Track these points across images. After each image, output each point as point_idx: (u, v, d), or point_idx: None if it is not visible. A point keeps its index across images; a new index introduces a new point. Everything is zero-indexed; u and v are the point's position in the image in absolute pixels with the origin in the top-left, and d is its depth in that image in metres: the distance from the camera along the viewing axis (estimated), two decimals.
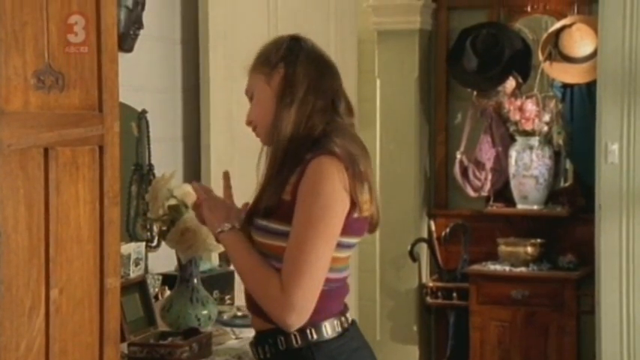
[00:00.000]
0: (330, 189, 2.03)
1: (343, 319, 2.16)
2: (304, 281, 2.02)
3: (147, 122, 3.51)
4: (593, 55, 4.84)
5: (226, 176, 2.29)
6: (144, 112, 3.50)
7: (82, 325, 2.07)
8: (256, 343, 2.20)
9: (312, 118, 2.13)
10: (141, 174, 3.46)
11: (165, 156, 3.64)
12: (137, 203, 3.41)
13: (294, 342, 2.10)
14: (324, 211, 2.03)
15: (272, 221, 2.09)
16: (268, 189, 2.11)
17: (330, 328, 2.12)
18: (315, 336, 2.10)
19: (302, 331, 2.09)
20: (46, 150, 1.98)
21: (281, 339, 2.11)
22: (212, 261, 3.56)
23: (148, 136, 3.52)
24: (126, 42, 3.35)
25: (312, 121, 2.13)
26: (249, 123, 2.24)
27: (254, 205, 2.16)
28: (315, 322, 2.09)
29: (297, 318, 2.04)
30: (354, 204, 2.06)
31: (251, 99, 2.24)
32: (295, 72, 2.15)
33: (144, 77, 3.56)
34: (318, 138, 2.11)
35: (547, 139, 5.16)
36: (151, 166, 3.50)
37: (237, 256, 2.15)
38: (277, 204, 2.08)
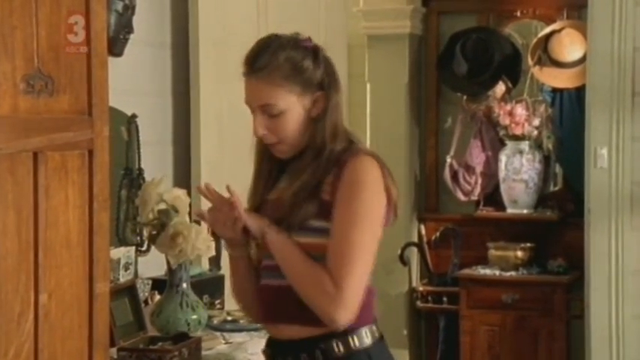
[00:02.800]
0: (373, 186, 2.07)
1: (375, 326, 2.18)
2: (355, 278, 2.02)
3: (137, 126, 3.50)
4: (583, 60, 4.85)
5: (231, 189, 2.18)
6: (134, 116, 3.49)
7: (72, 330, 2.07)
8: (282, 353, 2.14)
9: (342, 127, 2.18)
10: (131, 178, 3.46)
11: (155, 160, 3.64)
12: (127, 207, 3.40)
13: (335, 349, 2.09)
14: (369, 208, 2.06)
15: (311, 219, 2.09)
16: (303, 192, 2.09)
17: (369, 334, 2.14)
18: (356, 342, 2.10)
19: (343, 337, 2.08)
20: (35, 154, 1.98)
21: (321, 347, 2.09)
22: (202, 265, 3.56)
23: (138, 141, 3.51)
24: (116, 46, 3.35)
25: (342, 130, 2.18)
26: (270, 140, 2.16)
27: (287, 206, 2.11)
28: (355, 327, 2.09)
29: (348, 315, 2.04)
30: (389, 200, 2.12)
31: (264, 110, 2.13)
32: (335, 98, 2.15)
33: (134, 81, 3.55)
34: (348, 143, 2.16)
35: (537, 144, 5.17)
36: (140, 170, 3.50)
37: (288, 256, 2.08)
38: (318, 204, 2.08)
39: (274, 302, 2.13)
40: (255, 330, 2.94)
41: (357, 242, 2.03)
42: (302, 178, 2.10)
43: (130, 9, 3.42)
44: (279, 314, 2.13)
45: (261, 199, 2.18)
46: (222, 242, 2.25)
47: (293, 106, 2.11)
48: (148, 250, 3.36)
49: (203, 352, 2.76)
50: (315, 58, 2.13)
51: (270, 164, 2.21)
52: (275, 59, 2.09)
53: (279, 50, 2.10)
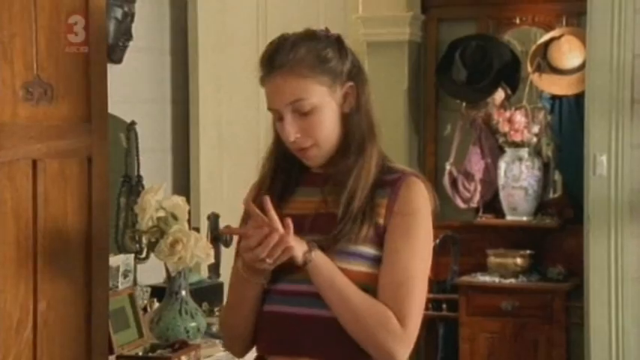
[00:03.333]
0: (428, 215, 1.91)
1: None
2: (417, 313, 1.88)
3: (136, 133, 3.50)
4: (582, 66, 4.85)
5: (267, 201, 1.82)
6: (133, 123, 3.49)
7: (70, 337, 2.06)
8: None
9: (378, 123, 2.00)
10: (130, 185, 3.45)
11: (154, 167, 3.63)
12: (126, 215, 3.39)
13: None
14: (426, 239, 1.90)
15: (365, 245, 1.86)
16: (359, 211, 1.86)
17: None
18: None
19: None
20: (34, 162, 1.98)
21: None
22: (201, 273, 3.55)
23: (137, 148, 3.51)
24: (115, 53, 3.35)
25: (379, 127, 2.00)
26: (304, 144, 1.90)
27: (339, 225, 1.86)
28: None
29: (408, 352, 1.90)
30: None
31: (294, 110, 1.89)
32: (366, 89, 1.96)
33: (133, 88, 3.55)
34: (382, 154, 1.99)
35: (536, 151, 5.17)
36: (139, 177, 3.49)
37: (339, 287, 1.82)
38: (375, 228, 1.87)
39: (297, 332, 1.88)
40: None
41: (417, 276, 1.85)
42: (352, 191, 1.88)
43: (129, 16, 3.42)
44: (301, 346, 1.87)
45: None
46: (240, 266, 1.88)
47: (326, 100, 1.89)
48: (147, 257, 3.35)
49: None
50: (339, 46, 1.93)
51: (287, 174, 1.97)
52: (296, 52, 1.87)
53: (299, 43, 1.89)
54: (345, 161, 1.91)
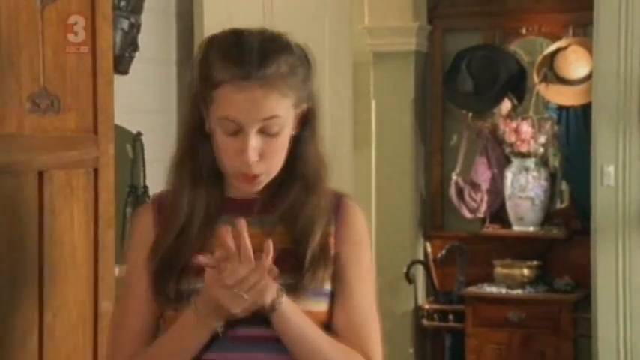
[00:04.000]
0: (368, 236, 1.77)
1: None
2: (379, 345, 1.73)
3: (142, 144, 3.50)
4: (589, 77, 4.84)
5: (243, 226, 1.58)
6: (139, 134, 3.49)
7: (76, 349, 2.06)
8: None
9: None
10: (136, 196, 3.45)
11: (160, 178, 3.61)
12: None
13: None
14: (370, 261, 1.76)
15: (326, 283, 1.68)
16: (320, 246, 1.67)
17: None
18: None
19: None
20: (40, 173, 1.98)
21: None
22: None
23: (143, 158, 3.51)
24: (121, 64, 3.35)
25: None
26: (257, 170, 1.64)
27: (306, 267, 1.65)
28: None
29: None
30: None
31: (262, 128, 1.62)
32: (319, 113, 1.74)
33: (139, 99, 3.55)
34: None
35: (543, 161, 5.17)
36: (146, 188, 3.49)
37: (307, 332, 1.63)
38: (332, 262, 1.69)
39: None
40: None
41: (372, 309, 1.72)
42: (310, 227, 1.67)
43: (135, 27, 3.42)
44: None
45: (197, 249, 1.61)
46: (197, 306, 1.59)
47: (289, 122, 1.66)
48: None
49: None
50: (308, 63, 1.70)
51: (207, 197, 1.69)
52: (279, 65, 1.62)
53: (281, 54, 1.64)
54: (291, 190, 1.69)
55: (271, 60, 1.61)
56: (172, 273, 1.65)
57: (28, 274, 1.97)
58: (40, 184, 1.98)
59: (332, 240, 1.69)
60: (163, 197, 1.75)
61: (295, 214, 1.68)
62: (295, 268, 1.63)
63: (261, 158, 1.63)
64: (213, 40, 1.67)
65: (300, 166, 1.71)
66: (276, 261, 1.57)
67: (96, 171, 2.08)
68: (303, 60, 1.68)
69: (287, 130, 1.65)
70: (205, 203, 1.68)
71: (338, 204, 1.73)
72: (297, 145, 1.69)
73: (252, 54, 1.61)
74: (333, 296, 1.69)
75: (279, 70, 1.62)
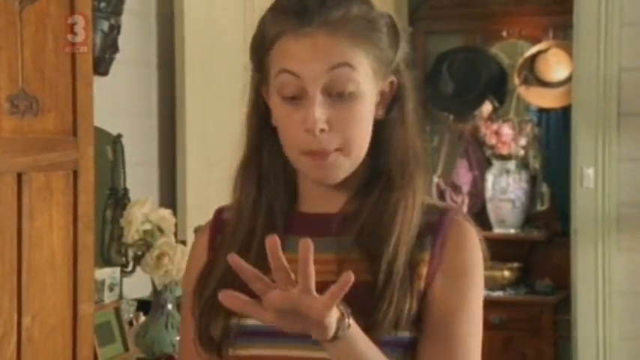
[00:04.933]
0: (482, 267, 1.35)
1: None
2: None
3: (122, 146, 3.48)
4: (569, 79, 4.87)
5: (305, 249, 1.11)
6: (119, 136, 3.48)
7: (55, 352, 2.04)
8: None
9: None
10: (116, 198, 3.44)
11: (140, 180, 3.62)
12: (112, 228, 3.37)
13: None
14: (481, 300, 1.33)
15: (403, 331, 1.26)
16: (401, 282, 1.25)
17: None
18: None
19: None
20: (19, 175, 1.97)
21: None
22: None
23: (124, 161, 3.49)
24: (101, 65, 3.34)
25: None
26: (329, 144, 1.26)
27: (377, 306, 1.24)
28: None
29: None
30: None
31: (330, 89, 1.25)
32: (412, 95, 1.36)
33: (119, 101, 3.54)
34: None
35: (523, 163, 5.18)
36: (126, 190, 3.48)
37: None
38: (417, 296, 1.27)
39: None
40: None
41: (474, 352, 1.29)
42: (395, 250, 1.25)
43: (115, 28, 3.41)
44: None
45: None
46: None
47: (369, 89, 1.28)
48: (133, 270, 3.33)
49: None
50: (392, 26, 1.36)
51: (271, 211, 1.33)
52: (348, 9, 1.28)
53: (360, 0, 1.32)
54: (372, 197, 1.30)
55: (338, 2, 1.27)
56: (220, 311, 1.26)
57: (6, 277, 1.95)
58: (18, 186, 1.97)
59: (423, 270, 1.27)
60: (225, 212, 1.39)
61: (378, 231, 1.26)
62: (370, 307, 1.22)
63: (332, 129, 1.25)
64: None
65: (385, 160, 1.31)
66: (348, 297, 1.13)
67: (75, 173, 2.06)
68: (384, 19, 1.34)
69: (367, 100, 1.27)
70: (269, 219, 1.31)
71: (440, 221, 1.31)
72: (383, 132, 1.31)
73: (300, 2, 1.27)
74: (412, 346, 1.27)
75: (349, 14, 1.27)
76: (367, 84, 1.27)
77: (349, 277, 1.09)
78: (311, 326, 1.13)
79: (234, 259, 1.13)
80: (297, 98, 1.25)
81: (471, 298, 1.30)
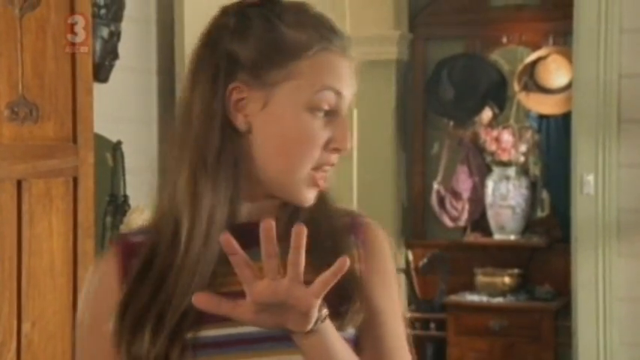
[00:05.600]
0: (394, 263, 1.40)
1: None
2: None
3: (122, 153, 3.48)
4: (569, 86, 4.87)
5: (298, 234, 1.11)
6: (119, 142, 3.48)
7: (55, 358, 2.04)
8: None
9: None
10: (116, 205, 3.44)
11: (140, 187, 3.61)
12: (111, 234, 3.38)
13: None
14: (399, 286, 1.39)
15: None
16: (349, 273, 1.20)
17: None
18: None
19: None
20: (19, 182, 1.97)
21: None
22: None
23: (123, 167, 3.49)
24: (101, 72, 3.34)
25: None
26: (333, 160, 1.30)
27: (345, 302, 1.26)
28: None
29: None
30: None
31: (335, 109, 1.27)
32: None
33: (119, 108, 3.54)
34: None
35: (523, 170, 5.19)
36: (126, 197, 3.48)
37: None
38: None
39: None
40: None
41: (406, 348, 1.39)
42: (333, 249, 1.26)
43: (115, 35, 3.41)
44: None
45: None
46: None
47: None
48: None
49: None
50: None
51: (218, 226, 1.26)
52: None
53: None
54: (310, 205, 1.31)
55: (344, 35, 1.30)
56: (163, 331, 1.21)
57: (6, 283, 1.95)
58: (18, 193, 1.97)
59: (359, 266, 1.30)
60: (132, 237, 1.32)
61: (316, 236, 1.23)
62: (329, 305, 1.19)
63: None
64: (250, 9, 1.26)
65: None
66: None
67: (75, 180, 2.07)
68: None
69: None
70: (214, 229, 1.24)
71: (355, 224, 1.35)
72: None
73: (334, 25, 1.29)
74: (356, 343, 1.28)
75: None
76: None
77: (345, 262, 1.09)
78: (292, 318, 1.12)
79: (227, 238, 1.09)
80: (328, 115, 1.25)
81: (396, 298, 1.35)
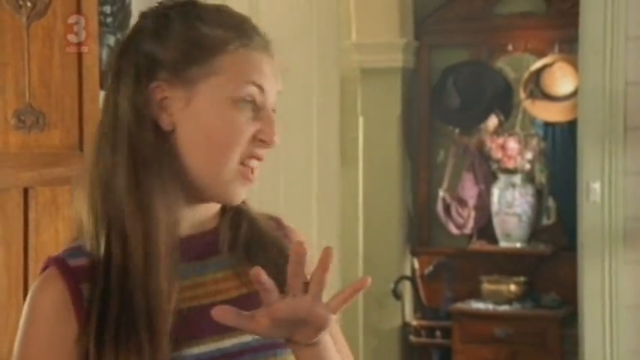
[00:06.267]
0: None
1: None
2: None
3: None
4: (575, 93, 4.86)
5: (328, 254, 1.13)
6: None
7: None
8: None
9: None
10: None
11: None
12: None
13: None
14: None
15: None
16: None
17: None
18: None
19: None
20: (25, 190, 1.97)
21: None
22: None
23: None
24: (107, 80, 3.35)
25: None
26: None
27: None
28: None
29: None
30: None
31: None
32: None
33: None
34: None
35: (529, 177, 5.18)
36: None
37: None
38: None
39: None
40: None
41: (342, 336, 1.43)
42: (276, 255, 1.29)
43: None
44: None
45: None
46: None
47: None
48: None
49: None
50: None
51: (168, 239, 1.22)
52: None
53: None
54: (243, 212, 1.30)
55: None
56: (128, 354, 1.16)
57: (13, 291, 1.95)
58: (25, 201, 1.97)
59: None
60: (70, 260, 1.23)
61: (258, 243, 1.28)
62: None
63: None
64: (169, 10, 1.26)
65: None
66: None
67: None
68: None
69: None
70: (160, 243, 1.20)
71: (282, 227, 1.36)
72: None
73: (253, 24, 1.29)
74: None
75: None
76: None
77: (366, 281, 1.12)
78: (305, 332, 1.13)
79: (257, 272, 1.09)
80: (254, 110, 1.24)
81: None
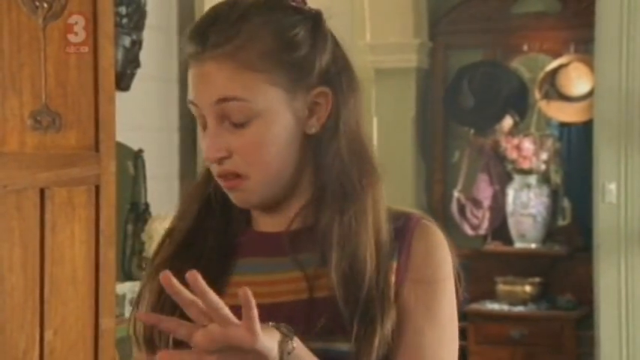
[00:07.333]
0: (450, 271, 1.31)
1: None
2: None
3: (143, 161, 3.50)
4: (590, 94, 4.85)
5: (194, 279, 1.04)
6: (140, 151, 3.49)
7: None
8: None
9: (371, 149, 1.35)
10: (137, 213, 3.45)
11: (161, 195, 3.63)
12: (133, 242, 3.39)
13: None
14: (452, 305, 1.29)
15: (334, 340, 1.16)
16: (362, 288, 1.17)
17: None
18: None
19: None
20: (42, 190, 1.98)
21: None
22: None
23: (145, 175, 3.51)
24: (123, 81, 3.36)
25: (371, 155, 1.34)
26: (230, 168, 1.21)
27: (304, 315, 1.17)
28: None
29: None
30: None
31: (222, 115, 1.20)
32: (351, 99, 1.27)
33: (141, 116, 3.56)
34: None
35: (544, 178, 5.17)
36: (147, 205, 3.49)
37: None
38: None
39: None
40: None
41: None
42: (352, 261, 1.18)
43: (137, 44, 3.43)
44: None
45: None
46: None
47: (276, 110, 1.19)
48: None
49: None
50: (315, 28, 1.23)
51: (221, 232, 1.27)
52: (245, 27, 1.18)
53: (252, 13, 1.19)
54: (323, 214, 1.21)
55: (229, 22, 1.18)
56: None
57: (29, 291, 1.96)
58: (41, 201, 1.98)
59: (392, 279, 1.20)
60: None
61: (339, 246, 1.18)
62: (344, 321, 1.15)
63: (234, 155, 1.20)
64: None
65: (325, 175, 1.22)
66: (323, 316, 1.13)
67: (97, 188, 2.08)
68: (303, 23, 1.22)
69: (273, 119, 1.19)
70: (218, 239, 1.25)
71: (406, 225, 1.26)
72: (319, 146, 1.22)
73: (207, 22, 1.20)
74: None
75: (241, 35, 1.17)
76: (274, 106, 1.19)
77: (244, 292, 1.01)
78: (250, 357, 1.04)
79: (166, 277, 1.03)
80: (205, 127, 1.21)
81: (441, 307, 1.25)
